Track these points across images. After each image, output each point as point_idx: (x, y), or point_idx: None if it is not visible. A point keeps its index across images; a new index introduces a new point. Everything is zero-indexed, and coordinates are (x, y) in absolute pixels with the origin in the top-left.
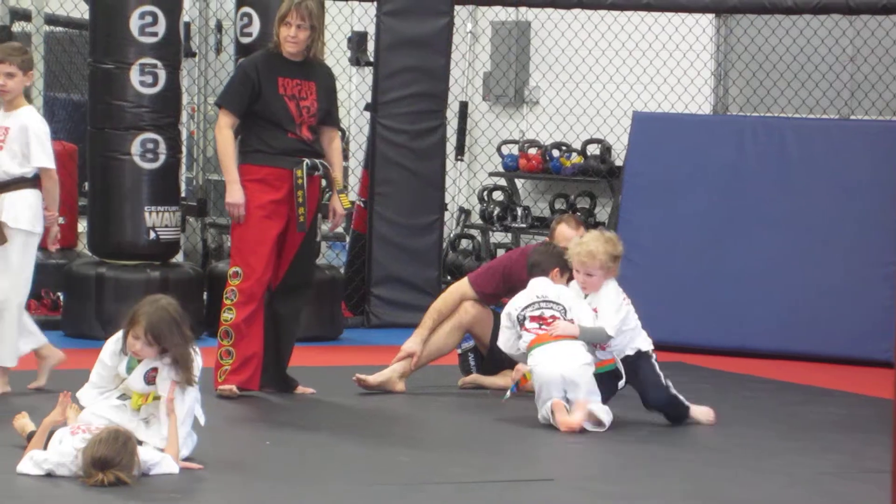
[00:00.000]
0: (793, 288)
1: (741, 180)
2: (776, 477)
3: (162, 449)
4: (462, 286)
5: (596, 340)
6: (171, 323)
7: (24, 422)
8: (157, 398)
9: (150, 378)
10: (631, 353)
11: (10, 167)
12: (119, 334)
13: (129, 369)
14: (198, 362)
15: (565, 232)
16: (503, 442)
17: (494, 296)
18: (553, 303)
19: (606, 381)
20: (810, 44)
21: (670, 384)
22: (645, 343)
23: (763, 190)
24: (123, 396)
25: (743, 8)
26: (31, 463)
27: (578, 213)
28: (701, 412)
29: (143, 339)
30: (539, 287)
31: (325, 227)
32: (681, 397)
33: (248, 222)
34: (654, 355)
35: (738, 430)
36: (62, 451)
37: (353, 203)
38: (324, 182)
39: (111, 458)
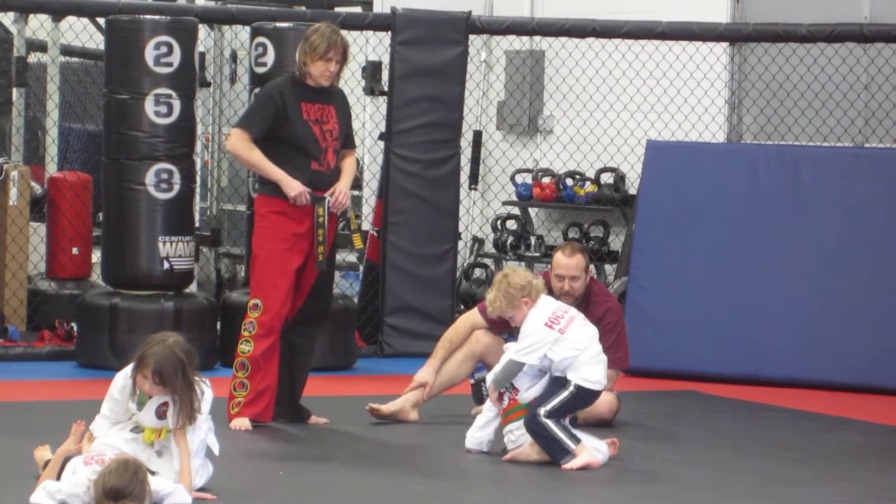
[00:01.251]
0: (807, 316)
1: (755, 209)
2: None
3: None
4: (472, 315)
5: (511, 374)
6: (177, 365)
7: (43, 452)
8: (169, 432)
9: (161, 413)
10: (559, 375)
11: None
12: (128, 369)
13: (140, 404)
14: (207, 395)
15: (559, 259)
16: (516, 472)
17: (505, 323)
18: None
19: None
20: (824, 72)
21: (549, 423)
22: (577, 377)
23: (777, 218)
24: (136, 429)
25: (757, 36)
26: (45, 493)
27: (591, 243)
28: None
29: (150, 379)
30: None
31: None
32: (558, 436)
33: (269, 254)
34: (573, 390)
35: (754, 461)
36: (75, 481)
37: (365, 245)
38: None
39: (123, 489)
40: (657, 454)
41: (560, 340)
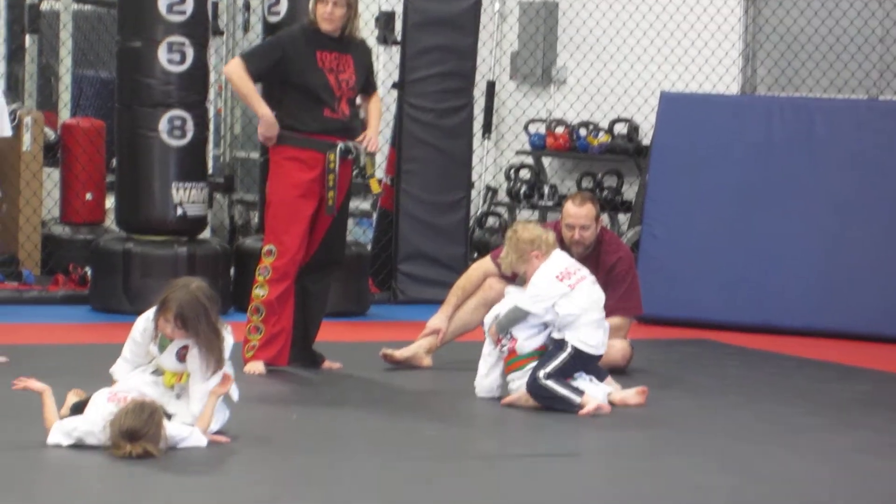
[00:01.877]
0: (819, 266)
1: (769, 160)
2: (807, 453)
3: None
4: (485, 263)
5: (515, 320)
6: (199, 309)
7: (72, 397)
8: (189, 377)
9: (181, 356)
10: (558, 337)
11: None
12: (150, 313)
13: (162, 347)
14: (228, 341)
15: (569, 208)
16: (528, 417)
17: (516, 273)
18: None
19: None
20: (839, 24)
21: (550, 383)
22: (575, 338)
23: (791, 169)
24: (157, 371)
25: None
26: (61, 433)
27: (605, 192)
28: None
29: (172, 323)
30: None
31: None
32: (559, 392)
33: (282, 200)
34: (570, 352)
35: (766, 407)
36: (92, 419)
37: (381, 188)
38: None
39: (138, 430)
40: (669, 401)
41: (567, 295)
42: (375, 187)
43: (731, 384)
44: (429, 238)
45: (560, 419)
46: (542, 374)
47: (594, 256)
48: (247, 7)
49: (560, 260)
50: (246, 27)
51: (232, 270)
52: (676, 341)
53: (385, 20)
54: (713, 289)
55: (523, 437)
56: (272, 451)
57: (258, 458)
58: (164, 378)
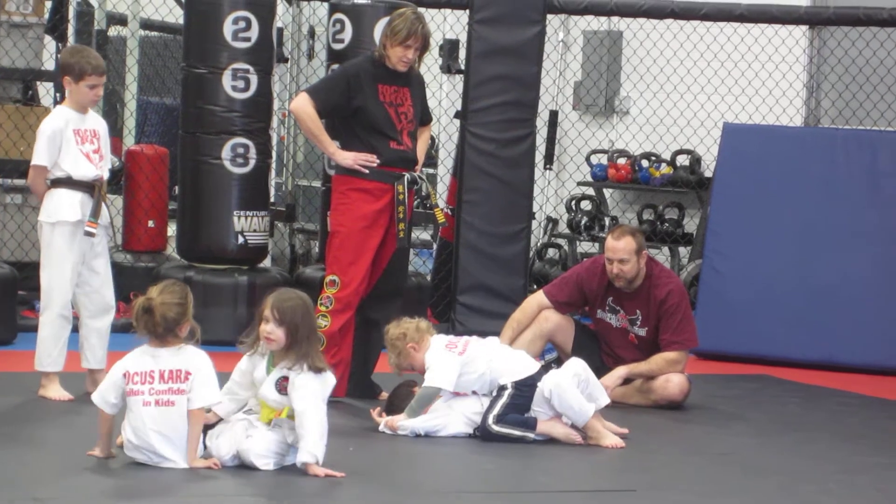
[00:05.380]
0: (882, 302)
1: (832, 193)
2: (867, 492)
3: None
4: (538, 296)
5: (428, 398)
6: (296, 303)
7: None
8: (290, 416)
9: (281, 387)
10: (494, 390)
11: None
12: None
13: (268, 370)
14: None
15: (608, 242)
16: (586, 451)
17: (569, 304)
18: None
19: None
20: None
21: (498, 427)
22: (503, 377)
23: (854, 203)
24: (249, 412)
25: (837, 20)
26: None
27: (666, 225)
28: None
29: (272, 319)
30: None
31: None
32: (515, 434)
33: (349, 232)
34: (511, 391)
35: (827, 446)
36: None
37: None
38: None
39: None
40: (728, 437)
41: (468, 362)
42: (440, 217)
43: (792, 421)
44: (489, 269)
45: (619, 454)
46: (490, 418)
47: (644, 290)
48: (311, 34)
49: (438, 339)
50: (310, 54)
51: None
52: (736, 377)
53: (449, 49)
54: (774, 323)
55: (581, 471)
56: (327, 482)
57: (314, 488)
58: (262, 414)
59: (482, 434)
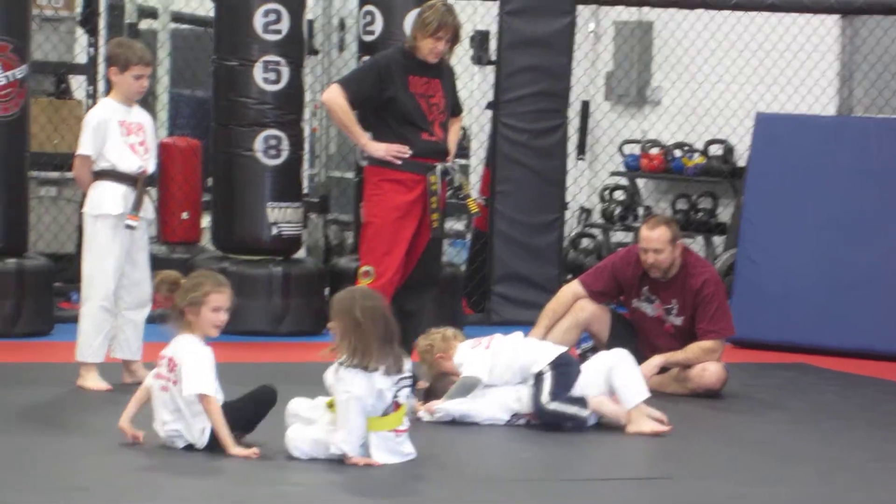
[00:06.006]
0: None
1: (865, 182)
2: None
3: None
4: (573, 286)
5: (468, 387)
6: (346, 296)
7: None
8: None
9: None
10: (531, 379)
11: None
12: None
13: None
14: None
15: (642, 232)
16: (622, 439)
17: (604, 294)
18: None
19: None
20: None
21: (554, 405)
22: (536, 364)
23: (887, 192)
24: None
25: (869, 9)
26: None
27: (699, 214)
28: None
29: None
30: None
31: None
32: (568, 411)
33: (383, 222)
34: (553, 372)
35: (863, 434)
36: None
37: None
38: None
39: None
40: (764, 425)
41: (495, 354)
42: (473, 207)
43: (828, 410)
44: (523, 259)
45: (655, 441)
46: (544, 398)
47: (679, 280)
48: (342, 26)
49: (464, 343)
50: (341, 46)
51: (326, 290)
52: (772, 365)
53: (480, 40)
54: (810, 312)
55: (619, 459)
56: (363, 470)
57: (355, 476)
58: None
59: (538, 415)
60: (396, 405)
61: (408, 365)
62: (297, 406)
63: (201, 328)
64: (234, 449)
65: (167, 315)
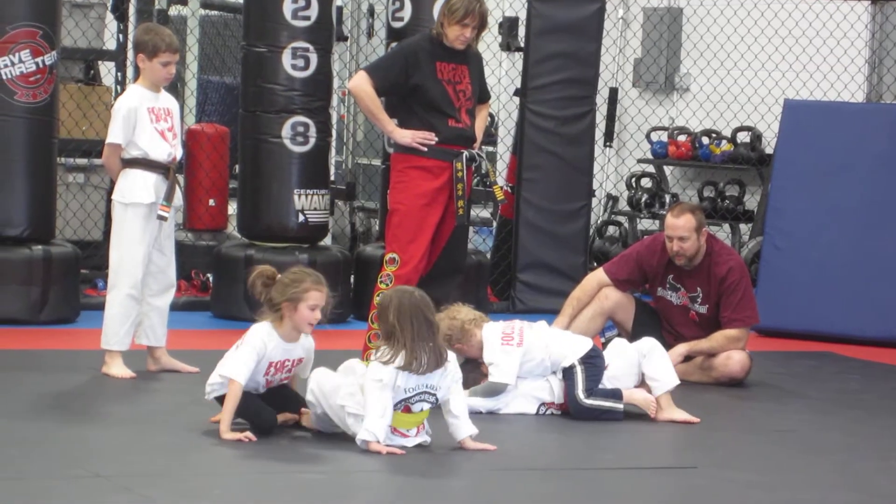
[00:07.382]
0: None
1: (893, 170)
2: None
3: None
4: (598, 274)
5: (492, 393)
6: (387, 294)
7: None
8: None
9: None
10: (559, 372)
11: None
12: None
13: None
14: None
15: (667, 219)
16: (647, 428)
17: (629, 282)
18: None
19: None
20: None
21: (591, 400)
22: (567, 358)
23: None
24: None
25: None
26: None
27: (727, 202)
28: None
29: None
30: None
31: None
32: (605, 404)
33: (409, 210)
34: (582, 367)
35: (888, 422)
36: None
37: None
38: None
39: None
40: (788, 414)
41: (527, 351)
42: (499, 194)
43: (852, 398)
44: (548, 247)
45: (677, 431)
46: (579, 394)
47: (705, 268)
48: (371, 13)
49: (492, 330)
50: (370, 33)
51: (352, 278)
52: (797, 354)
53: (508, 26)
54: (835, 300)
55: (642, 448)
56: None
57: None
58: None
59: (573, 410)
60: (407, 408)
61: (451, 358)
62: (353, 364)
63: (296, 324)
64: (228, 434)
65: (260, 309)
